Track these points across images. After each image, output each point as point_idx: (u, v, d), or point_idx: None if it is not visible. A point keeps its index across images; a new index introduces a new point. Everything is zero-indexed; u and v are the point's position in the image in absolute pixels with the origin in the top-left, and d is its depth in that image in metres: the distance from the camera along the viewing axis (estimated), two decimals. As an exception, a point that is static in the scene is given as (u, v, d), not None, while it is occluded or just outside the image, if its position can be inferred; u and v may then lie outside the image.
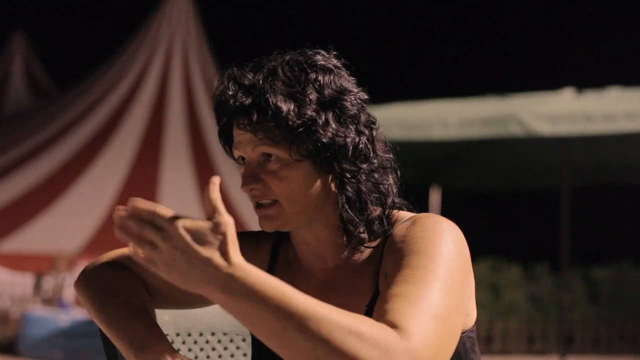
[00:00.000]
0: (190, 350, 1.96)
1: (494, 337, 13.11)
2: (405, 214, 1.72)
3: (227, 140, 1.74)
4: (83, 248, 15.26)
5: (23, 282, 13.74)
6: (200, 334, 1.98)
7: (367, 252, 1.71)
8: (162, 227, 1.31)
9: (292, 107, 1.61)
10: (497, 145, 9.08)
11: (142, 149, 17.50)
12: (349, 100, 1.66)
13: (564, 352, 9.58)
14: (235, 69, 1.70)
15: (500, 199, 20.13)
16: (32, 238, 15.69)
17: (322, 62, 1.68)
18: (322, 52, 1.71)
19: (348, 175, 1.65)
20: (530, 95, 8.48)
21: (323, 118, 1.63)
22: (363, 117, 1.68)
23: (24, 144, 17.65)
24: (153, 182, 17.05)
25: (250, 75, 1.66)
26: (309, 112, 1.62)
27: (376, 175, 1.69)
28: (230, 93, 1.65)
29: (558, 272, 12.02)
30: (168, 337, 1.93)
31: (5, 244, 15.51)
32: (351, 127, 1.65)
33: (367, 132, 1.68)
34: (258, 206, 1.67)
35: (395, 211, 1.72)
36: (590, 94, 8.12)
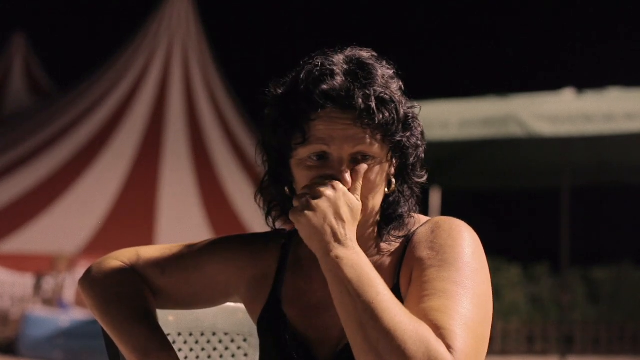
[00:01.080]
0: (191, 350, 1.97)
1: (494, 337, 13.11)
2: (421, 217, 1.75)
3: (288, 130, 1.65)
4: (83, 248, 15.26)
5: (23, 282, 13.73)
6: (202, 334, 1.99)
7: (386, 253, 1.72)
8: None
9: (402, 112, 1.65)
10: (497, 146, 9.08)
11: (142, 149, 17.49)
12: (414, 107, 1.72)
13: (564, 353, 9.59)
14: (328, 58, 1.65)
15: (500, 199, 20.13)
16: (32, 238, 15.69)
17: (392, 68, 1.70)
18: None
19: (417, 181, 1.72)
20: (531, 95, 8.49)
21: (416, 127, 1.69)
22: None
23: (24, 144, 17.64)
24: (153, 183, 17.04)
25: (353, 69, 1.64)
26: (409, 120, 1.67)
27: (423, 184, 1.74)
28: (343, 83, 1.61)
29: (558, 273, 12.02)
30: (170, 337, 1.93)
31: (6, 244, 15.51)
32: (423, 139, 1.72)
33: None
34: None
35: (413, 214, 1.75)
36: (590, 95, 8.12)
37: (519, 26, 24.76)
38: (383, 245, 1.72)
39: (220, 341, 2.00)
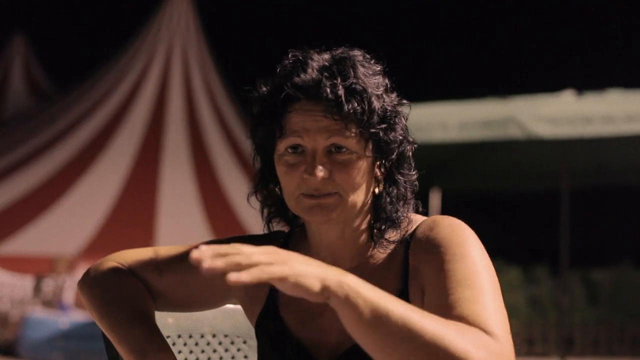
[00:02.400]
0: (191, 352, 1.97)
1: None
2: (417, 217, 1.74)
3: (268, 125, 1.67)
4: (83, 250, 15.25)
5: (23, 284, 13.73)
6: (202, 336, 1.99)
7: (385, 255, 1.71)
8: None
9: (378, 103, 1.64)
10: (496, 148, 9.08)
11: (142, 151, 17.50)
12: (402, 106, 1.72)
13: (563, 354, 9.59)
14: (305, 53, 1.67)
15: (499, 201, 20.13)
16: (32, 240, 15.69)
17: (379, 66, 1.70)
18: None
19: (403, 179, 1.69)
20: (530, 97, 8.49)
21: (398, 120, 1.68)
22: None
23: (24, 146, 17.64)
24: (153, 184, 17.04)
25: (329, 63, 1.65)
26: (387, 111, 1.66)
27: (413, 184, 1.73)
28: (314, 75, 1.62)
29: (558, 275, 12.02)
30: (170, 339, 1.94)
31: (5, 246, 15.51)
32: (408, 136, 1.72)
33: (413, 144, 1.74)
34: (311, 196, 1.63)
35: (410, 215, 1.74)
36: (590, 96, 8.12)
37: (519, 28, 24.77)
38: (379, 250, 1.71)
39: (220, 343, 2.00)
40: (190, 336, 1.97)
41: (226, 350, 2.00)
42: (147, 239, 15.56)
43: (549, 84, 9.25)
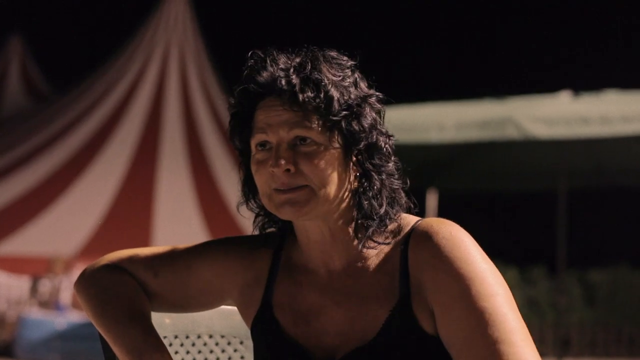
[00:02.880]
0: (188, 352, 1.97)
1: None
2: (409, 218, 1.72)
3: (240, 126, 1.71)
4: (80, 251, 15.24)
5: (19, 284, 13.72)
6: (198, 337, 1.98)
7: (378, 256, 1.69)
8: None
9: (338, 93, 1.63)
10: (493, 148, 9.08)
11: (139, 151, 17.49)
12: (376, 99, 1.70)
13: (560, 355, 9.60)
14: (265, 52, 1.69)
15: (497, 202, 20.14)
16: (28, 241, 15.67)
17: (350, 62, 1.70)
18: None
19: (376, 170, 1.67)
20: (527, 98, 8.49)
21: (363, 109, 1.66)
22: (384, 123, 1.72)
23: (21, 146, 17.63)
24: (150, 185, 17.03)
25: (290, 59, 1.67)
26: (352, 99, 1.65)
27: (392, 177, 1.70)
28: (273, 71, 1.65)
29: (555, 275, 12.03)
30: (166, 340, 1.93)
31: (2, 247, 15.49)
32: (380, 127, 1.69)
33: (389, 136, 1.71)
34: (283, 192, 1.63)
35: (401, 215, 1.72)
36: (586, 97, 8.12)
37: (516, 29, 24.78)
38: (368, 251, 1.69)
39: (216, 344, 2.00)
40: (187, 337, 1.97)
41: (223, 351, 2.00)
42: (144, 240, 15.55)
43: (546, 85, 9.25)
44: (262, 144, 1.66)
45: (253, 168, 1.67)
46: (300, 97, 1.61)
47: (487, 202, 19.78)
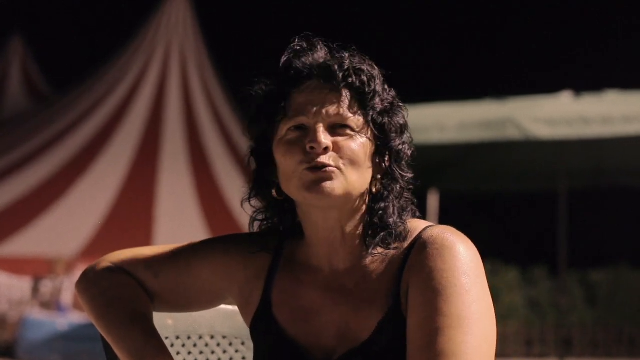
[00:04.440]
0: (189, 353, 1.97)
1: (492, 340, 13.07)
2: (417, 224, 1.71)
3: (271, 109, 1.68)
4: (81, 251, 15.25)
5: (21, 285, 13.73)
6: (200, 337, 1.98)
7: (383, 260, 1.69)
8: None
9: (381, 88, 1.67)
10: (495, 149, 9.08)
11: (140, 152, 17.50)
12: (401, 106, 1.73)
13: (562, 355, 9.60)
14: (309, 38, 1.71)
15: (498, 202, 20.13)
16: (30, 241, 15.68)
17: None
18: None
19: (398, 175, 1.68)
20: (528, 98, 8.49)
21: (397, 110, 1.70)
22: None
23: (22, 147, 17.64)
24: (151, 185, 17.04)
25: (335, 49, 1.70)
26: (390, 99, 1.69)
27: (408, 189, 1.72)
28: (322, 54, 1.67)
29: (556, 276, 12.03)
30: (168, 341, 1.93)
31: (3, 248, 15.50)
32: (407, 133, 1.72)
33: (410, 146, 1.73)
34: (314, 170, 1.62)
35: (410, 221, 1.71)
36: (587, 97, 8.12)
37: (517, 29, 24.78)
38: (374, 255, 1.69)
39: (218, 344, 2.00)
40: (189, 337, 1.97)
41: (224, 351, 2.00)
42: (145, 240, 15.56)
43: (547, 85, 9.26)
44: (299, 127, 1.65)
45: (281, 150, 1.66)
46: (352, 80, 1.64)
47: (488, 203, 19.77)
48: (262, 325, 1.74)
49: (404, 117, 1.71)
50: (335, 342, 1.67)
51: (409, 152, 1.71)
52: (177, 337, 1.96)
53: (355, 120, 1.64)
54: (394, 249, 1.68)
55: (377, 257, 1.69)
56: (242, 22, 27.08)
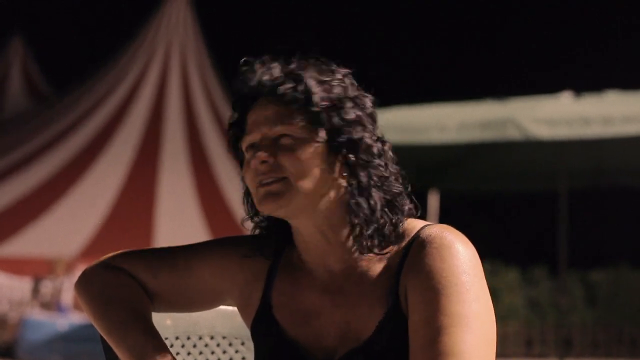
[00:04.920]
0: (189, 353, 1.97)
1: (492, 340, 13.07)
2: (415, 223, 1.70)
3: (237, 132, 1.74)
4: (81, 252, 15.25)
5: (21, 286, 13.73)
6: (200, 338, 1.98)
7: (380, 260, 1.68)
8: None
9: (319, 87, 1.66)
10: (495, 149, 9.08)
11: (141, 152, 17.50)
12: (368, 101, 1.71)
13: (562, 355, 9.60)
14: (255, 58, 1.72)
15: (498, 203, 20.14)
16: (30, 242, 15.69)
17: (347, 70, 1.72)
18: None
19: (362, 166, 1.66)
20: (529, 98, 8.49)
21: (347, 105, 1.67)
22: (377, 127, 1.72)
23: (22, 147, 17.64)
24: (151, 185, 17.04)
25: (278, 61, 1.71)
26: (334, 96, 1.66)
27: (388, 179, 1.68)
28: (263, 69, 1.69)
29: (556, 276, 12.03)
30: (167, 341, 1.93)
31: (4, 248, 15.50)
32: (369, 125, 1.69)
33: (380, 140, 1.70)
34: (262, 185, 1.65)
35: (407, 220, 1.71)
36: (588, 98, 8.12)
37: (517, 29, 24.79)
38: (368, 255, 1.68)
39: (218, 345, 2.00)
40: (188, 338, 1.97)
41: (224, 352, 2.00)
42: (145, 241, 15.56)
43: (547, 85, 9.26)
44: (250, 146, 1.69)
45: (243, 170, 1.71)
46: (281, 89, 1.65)
47: (489, 203, 19.78)
48: (262, 327, 1.74)
49: (359, 110, 1.68)
50: (337, 343, 1.67)
51: (373, 142, 1.68)
52: (177, 338, 1.96)
53: (298, 127, 1.65)
54: (384, 253, 1.67)
55: (373, 256, 1.68)
56: (242, 22, 27.08)
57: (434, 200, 9.93)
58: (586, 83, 9.02)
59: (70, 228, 15.95)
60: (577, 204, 10.15)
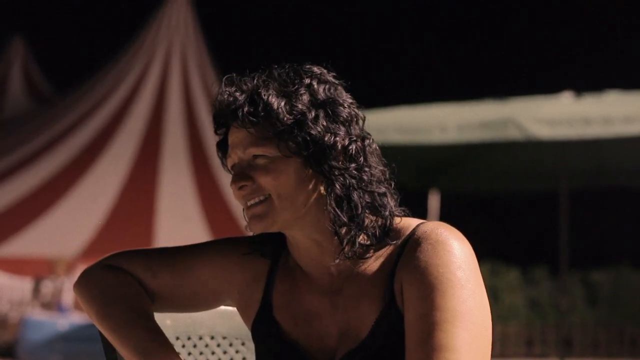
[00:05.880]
0: (189, 354, 1.97)
1: (493, 340, 13.07)
2: (410, 222, 1.71)
3: (224, 152, 1.77)
4: (82, 252, 15.26)
5: (22, 286, 13.73)
6: (200, 338, 1.98)
7: (377, 259, 1.69)
8: None
9: (283, 102, 1.65)
10: (495, 149, 9.07)
11: (141, 152, 17.51)
12: (341, 105, 1.68)
13: (563, 356, 9.60)
14: (234, 74, 1.73)
15: (499, 203, 20.12)
16: (30, 242, 15.69)
17: (317, 72, 1.71)
18: (320, 67, 1.74)
19: (336, 173, 1.65)
20: (529, 99, 8.48)
21: (313, 114, 1.65)
22: (356, 126, 1.70)
23: (23, 148, 17.65)
24: (152, 185, 17.04)
25: (247, 79, 1.71)
26: (299, 107, 1.65)
27: (367, 180, 1.67)
28: (227, 93, 1.69)
29: (557, 276, 12.03)
30: (168, 341, 1.93)
31: (4, 248, 15.51)
32: (342, 128, 1.67)
33: (359, 139, 1.68)
34: (248, 208, 1.68)
35: (399, 219, 1.71)
36: (588, 98, 8.11)
37: (518, 29, 24.78)
38: (361, 256, 1.68)
39: (218, 345, 2.00)
40: (189, 338, 1.97)
41: (224, 352, 2.00)
42: (146, 241, 15.56)
43: (548, 86, 9.25)
44: (232, 167, 1.72)
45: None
46: (242, 113, 1.66)
47: (489, 203, 19.76)
48: (263, 328, 1.75)
49: (332, 112, 1.67)
50: (337, 344, 1.68)
51: (344, 145, 1.66)
52: (177, 338, 1.96)
53: (269, 146, 1.66)
54: (386, 247, 1.68)
55: (369, 259, 1.69)
56: (242, 22, 27.08)
57: (434, 200, 9.93)
58: (586, 83, 9.01)
59: (70, 228, 15.96)
60: (578, 204, 10.14)
